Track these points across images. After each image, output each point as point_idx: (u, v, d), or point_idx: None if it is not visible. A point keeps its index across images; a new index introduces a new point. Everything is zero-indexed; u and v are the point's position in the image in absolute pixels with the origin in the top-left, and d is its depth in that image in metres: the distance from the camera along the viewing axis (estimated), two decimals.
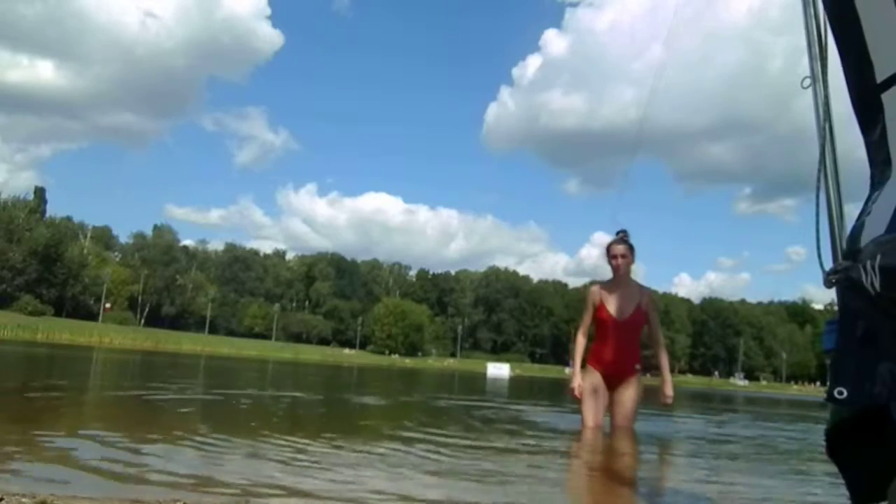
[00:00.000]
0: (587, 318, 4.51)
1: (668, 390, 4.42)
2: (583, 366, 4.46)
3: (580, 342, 4.56)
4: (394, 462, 2.61)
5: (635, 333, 4.41)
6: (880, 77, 1.28)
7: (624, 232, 4.47)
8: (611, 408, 4.39)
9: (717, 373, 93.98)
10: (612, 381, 4.38)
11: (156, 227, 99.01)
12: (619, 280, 4.41)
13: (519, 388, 16.13)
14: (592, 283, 5.07)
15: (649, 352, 4.55)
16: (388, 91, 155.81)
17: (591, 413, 4.34)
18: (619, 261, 4.36)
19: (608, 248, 4.44)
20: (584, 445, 3.93)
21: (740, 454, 3.95)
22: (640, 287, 4.46)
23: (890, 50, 1.25)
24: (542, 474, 2.67)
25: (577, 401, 4.44)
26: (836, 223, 1.39)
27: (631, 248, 4.41)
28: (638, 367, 4.38)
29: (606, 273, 4.53)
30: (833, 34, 1.38)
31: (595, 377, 4.39)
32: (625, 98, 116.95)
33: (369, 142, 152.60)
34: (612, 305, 4.37)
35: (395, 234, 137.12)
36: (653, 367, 4.67)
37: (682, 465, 3.43)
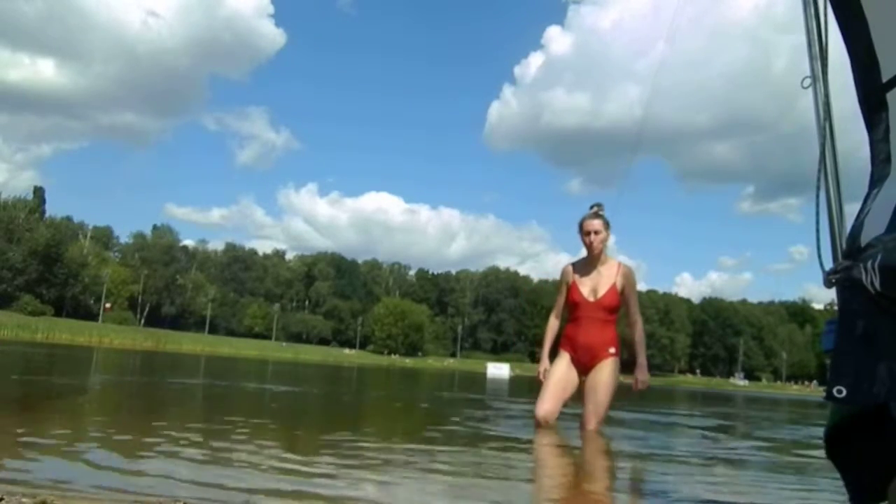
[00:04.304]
0: (560, 300, 4.25)
1: (641, 374, 4.06)
2: (555, 349, 4.21)
3: (552, 325, 4.32)
4: (398, 464, 2.61)
5: (610, 315, 4.10)
6: (886, 76, 1.29)
7: (598, 205, 4.15)
8: (583, 396, 4.10)
9: (698, 371, 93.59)
10: (585, 366, 4.08)
11: (155, 227, 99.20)
12: (594, 258, 4.15)
13: (518, 388, 16.12)
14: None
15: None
16: (389, 90, 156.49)
17: (545, 401, 4.06)
18: (594, 237, 4.06)
19: (581, 225, 4.13)
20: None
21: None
22: (618, 264, 4.16)
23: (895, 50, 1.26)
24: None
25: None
26: (836, 223, 1.39)
27: (606, 223, 4.13)
28: (613, 350, 4.05)
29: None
30: (840, 33, 1.38)
31: (564, 361, 4.14)
32: (629, 96, 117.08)
33: (370, 141, 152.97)
34: (584, 286, 4.13)
35: (397, 233, 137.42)
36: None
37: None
